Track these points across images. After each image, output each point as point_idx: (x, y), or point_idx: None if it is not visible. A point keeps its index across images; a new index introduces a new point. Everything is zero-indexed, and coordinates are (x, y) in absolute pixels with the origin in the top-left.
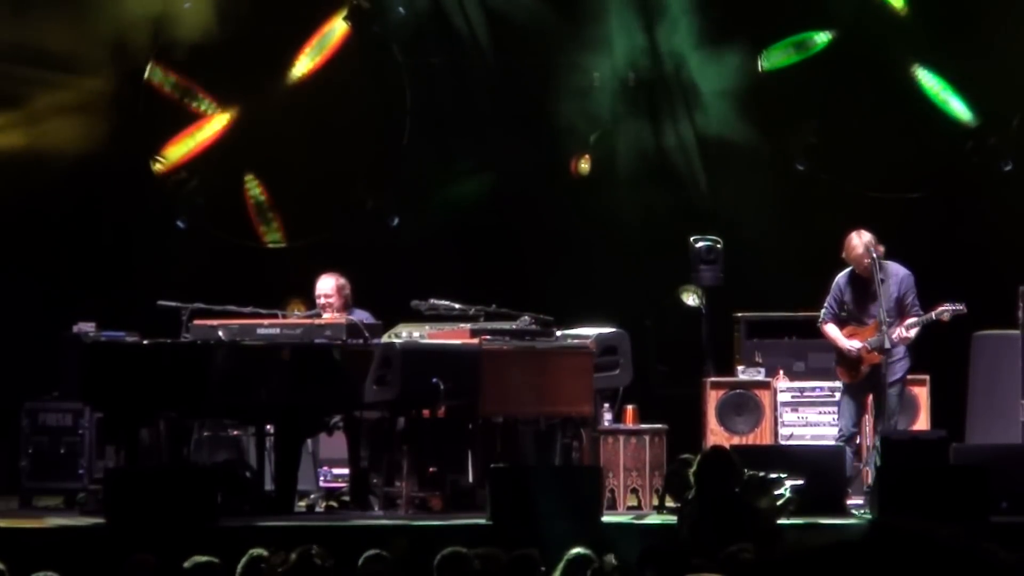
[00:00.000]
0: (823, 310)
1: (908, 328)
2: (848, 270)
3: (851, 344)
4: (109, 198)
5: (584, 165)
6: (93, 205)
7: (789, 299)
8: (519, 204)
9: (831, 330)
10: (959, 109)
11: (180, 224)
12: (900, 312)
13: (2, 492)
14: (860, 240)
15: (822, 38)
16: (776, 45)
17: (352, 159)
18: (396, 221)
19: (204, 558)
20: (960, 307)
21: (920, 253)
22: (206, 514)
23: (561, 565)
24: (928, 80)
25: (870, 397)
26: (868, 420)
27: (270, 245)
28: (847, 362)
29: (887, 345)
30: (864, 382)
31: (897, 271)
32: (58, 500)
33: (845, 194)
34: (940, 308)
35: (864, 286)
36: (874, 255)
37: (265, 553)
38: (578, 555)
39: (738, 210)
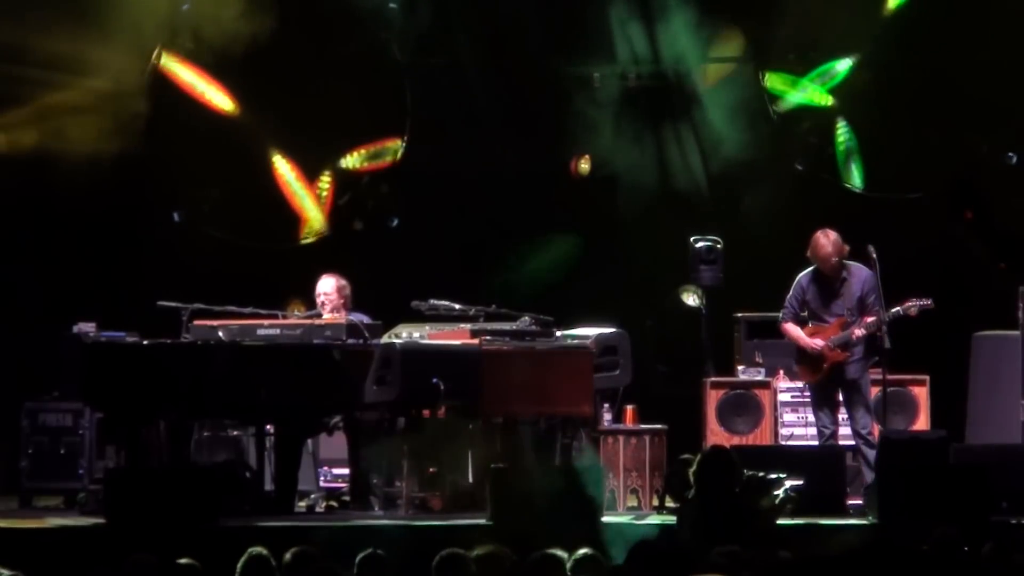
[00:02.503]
0: (783, 309)
1: (868, 327)
2: (811, 269)
3: (814, 342)
4: (110, 198)
5: (584, 165)
6: (94, 205)
7: None
8: (519, 204)
9: (792, 329)
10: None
11: (176, 217)
12: (861, 311)
13: (2, 492)
14: (827, 239)
15: (844, 66)
16: (804, 78)
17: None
18: (395, 222)
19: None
20: (927, 302)
21: (920, 253)
22: (206, 514)
23: (568, 566)
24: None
25: (839, 395)
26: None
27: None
28: (809, 361)
29: (852, 340)
30: (827, 381)
31: (860, 271)
32: (58, 500)
33: (845, 194)
34: (907, 303)
35: (827, 285)
36: (840, 255)
37: (264, 552)
38: (585, 555)
39: (738, 210)
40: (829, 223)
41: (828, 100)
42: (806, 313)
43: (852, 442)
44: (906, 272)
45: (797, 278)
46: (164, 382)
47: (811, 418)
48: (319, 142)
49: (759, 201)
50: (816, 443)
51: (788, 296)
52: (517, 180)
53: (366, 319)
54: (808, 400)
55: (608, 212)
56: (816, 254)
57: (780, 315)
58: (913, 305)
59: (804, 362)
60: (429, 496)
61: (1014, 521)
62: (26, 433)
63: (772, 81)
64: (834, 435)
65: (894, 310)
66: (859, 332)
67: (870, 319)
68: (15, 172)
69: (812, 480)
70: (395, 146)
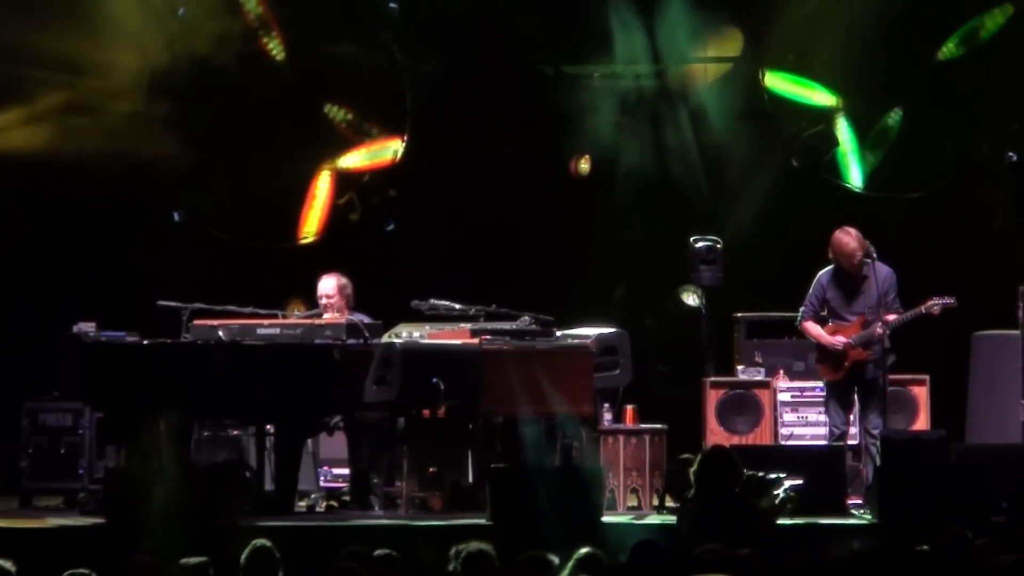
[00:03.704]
0: (802, 308)
1: (888, 324)
2: (830, 268)
3: (836, 339)
4: (110, 198)
5: (584, 165)
6: (94, 205)
7: (789, 299)
8: (519, 204)
9: (812, 327)
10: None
11: (175, 216)
12: (882, 309)
13: (2, 492)
14: (849, 237)
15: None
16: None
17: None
18: (391, 226)
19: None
20: (950, 300)
21: (920, 253)
22: (206, 514)
23: (570, 565)
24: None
25: (855, 395)
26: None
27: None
28: (830, 359)
29: (875, 339)
30: (846, 379)
31: (880, 268)
32: (58, 500)
33: (845, 194)
34: (930, 302)
35: (848, 283)
36: (865, 252)
37: (268, 544)
38: (586, 555)
39: (738, 210)
40: (828, 223)
41: (831, 101)
42: (825, 312)
43: (857, 441)
44: (906, 272)
45: (817, 276)
46: (164, 382)
47: (811, 418)
48: (318, 141)
49: (758, 201)
50: (815, 442)
51: (808, 295)
52: (517, 180)
53: (366, 319)
54: (808, 400)
55: (608, 212)
56: (841, 252)
57: (799, 314)
58: (936, 304)
59: (825, 360)
60: (429, 496)
61: (1014, 521)
62: (26, 433)
63: (772, 81)
64: (844, 435)
65: (916, 309)
66: (881, 330)
67: (891, 317)
68: (15, 172)
69: (812, 480)
70: (395, 145)
